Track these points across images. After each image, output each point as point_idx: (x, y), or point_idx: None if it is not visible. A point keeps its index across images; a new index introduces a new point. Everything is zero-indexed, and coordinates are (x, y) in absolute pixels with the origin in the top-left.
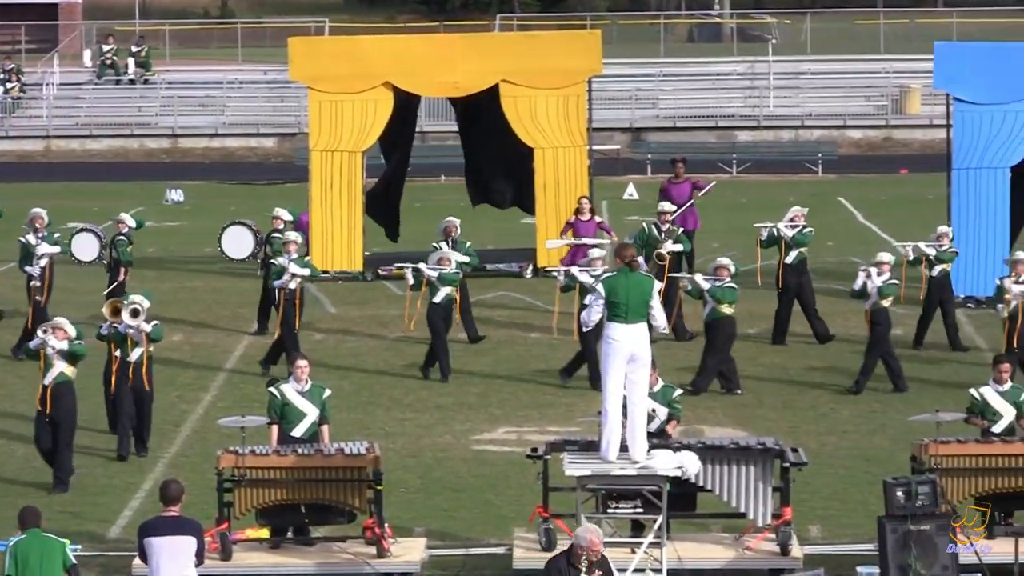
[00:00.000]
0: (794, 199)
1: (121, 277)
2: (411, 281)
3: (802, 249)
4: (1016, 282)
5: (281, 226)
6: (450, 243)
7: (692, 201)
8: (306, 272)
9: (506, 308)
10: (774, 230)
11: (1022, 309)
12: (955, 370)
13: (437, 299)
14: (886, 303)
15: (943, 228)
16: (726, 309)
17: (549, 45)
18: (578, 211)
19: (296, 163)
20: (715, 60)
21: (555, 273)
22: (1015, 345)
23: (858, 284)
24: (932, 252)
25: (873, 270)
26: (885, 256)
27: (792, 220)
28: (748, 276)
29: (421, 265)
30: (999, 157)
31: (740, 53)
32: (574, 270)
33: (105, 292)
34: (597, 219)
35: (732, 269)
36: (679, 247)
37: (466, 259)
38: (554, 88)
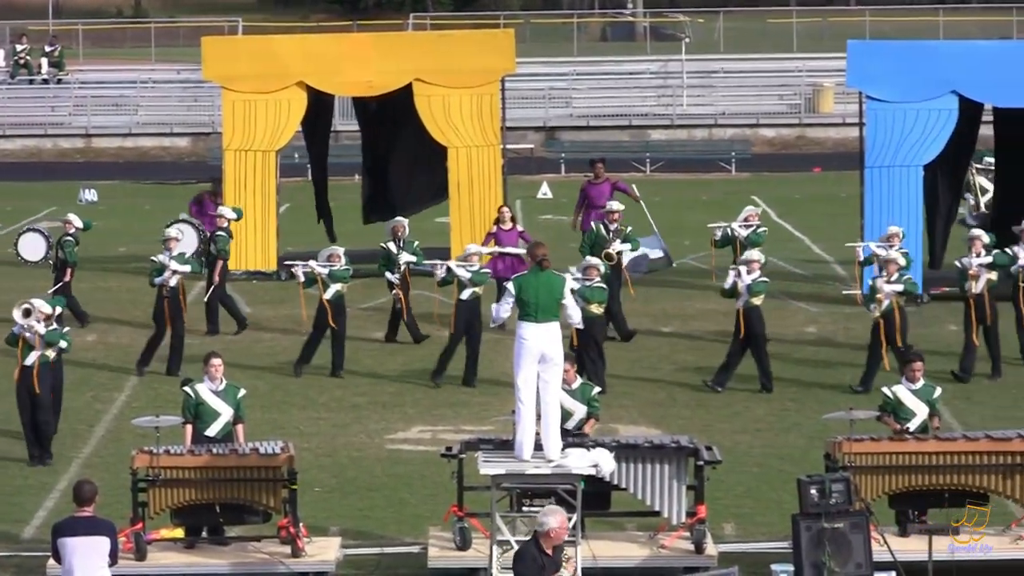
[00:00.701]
0: (707, 197)
1: (67, 278)
2: (301, 279)
3: (757, 249)
4: (888, 282)
5: (226, 224)
6: (399, 243)
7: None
8: (187, 269)
9: (420, 307)
10: (728, 230)
11: (897, 309)
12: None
13: (328, 296)
14: (757, 301)
15: (894, 228)
16: (595, 309)
17: (462, 44)
18: (499, 220)
19: (210, 163)
20: (628, 59)
21: (433, 267)
22: (889, 345)
23: (728, 283)
24: (883, 253)
25: (743, 268)
26: (755, 254)
27: (747, 220)
28: (702, 275)
29: (311, 262)
30: (912, 155)
31: (653, 52)
32: (452, 264)
33: (50, 291)
34: (519, 228)
35: (602, 269)
36: (628, 247)
37: (413, 258)
38: (468, 87)
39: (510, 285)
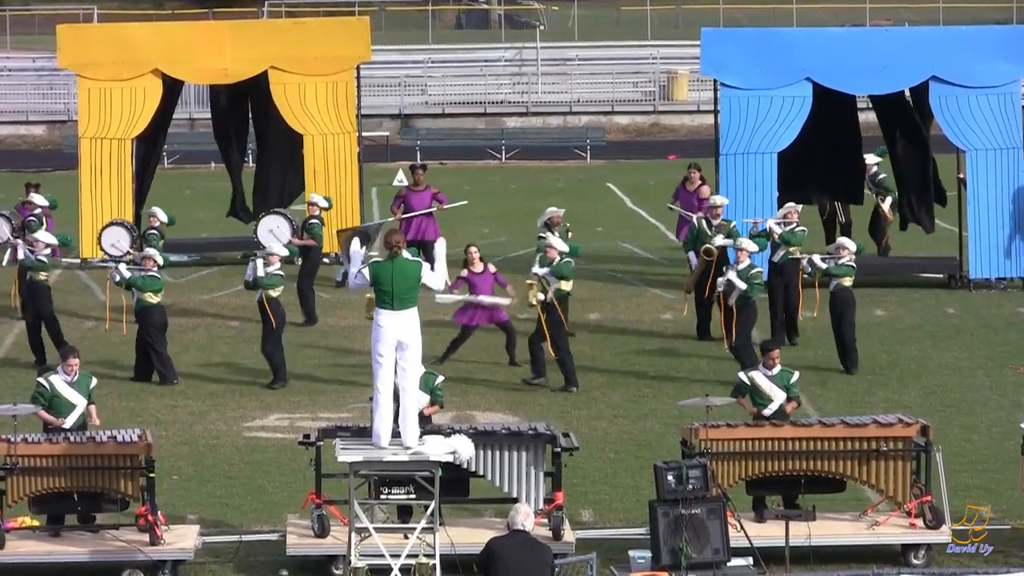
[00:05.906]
0: (563, 184)
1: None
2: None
3: (791, 248)
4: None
5: (317, 212)
6: (555, 232)
7: (431, 211)
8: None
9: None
10: (764, 226)
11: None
12: (723, 356)
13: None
14: (275, 293)
15: (842, 240)
16: (150, 298)
17: (317, 32)
18: (467, 263)
19: (65, 151)
20: (483, 47)
21: (108, 266)
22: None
23: (248, 275)
24: (830, 265)
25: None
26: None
27: (786, 217)
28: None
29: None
30: (766, 142)
31: (508, 39)
32: (122, 267)
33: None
34: (491, 269)
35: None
36: (729, 242)
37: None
38: (323, 75)
39: (366, 271)
